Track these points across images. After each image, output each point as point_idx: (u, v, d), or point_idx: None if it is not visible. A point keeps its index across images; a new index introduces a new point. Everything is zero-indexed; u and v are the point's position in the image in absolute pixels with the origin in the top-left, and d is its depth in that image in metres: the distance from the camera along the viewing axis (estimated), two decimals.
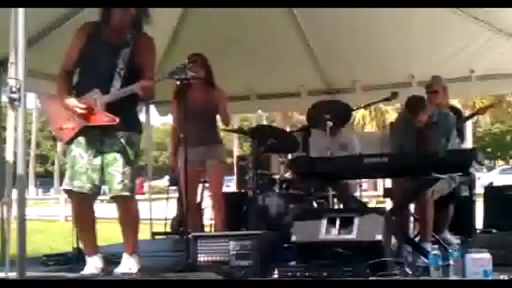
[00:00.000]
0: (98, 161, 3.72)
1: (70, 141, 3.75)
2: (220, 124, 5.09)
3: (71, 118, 3.70)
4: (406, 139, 4.57)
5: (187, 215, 4.33)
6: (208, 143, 4.69)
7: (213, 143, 4.77)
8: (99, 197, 3.94)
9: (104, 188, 3.78)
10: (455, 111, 5.20)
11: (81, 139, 3.73)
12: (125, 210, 3.81)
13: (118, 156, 3.69)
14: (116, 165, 3.68)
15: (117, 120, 3.60)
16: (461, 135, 5.02)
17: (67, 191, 3.80)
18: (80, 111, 3.64)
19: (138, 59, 3.74)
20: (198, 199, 5.45)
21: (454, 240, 4.82)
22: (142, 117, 4.18)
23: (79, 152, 3.73)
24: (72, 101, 3.68)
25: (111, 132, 3.69)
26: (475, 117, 6.02)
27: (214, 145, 4.78)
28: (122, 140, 3.71)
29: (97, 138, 3.72)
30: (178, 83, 3.80)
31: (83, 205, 3.80)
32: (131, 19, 3.75)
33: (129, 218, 3.85)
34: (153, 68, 3.89)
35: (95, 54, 3.72)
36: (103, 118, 3.63)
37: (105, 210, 5.44)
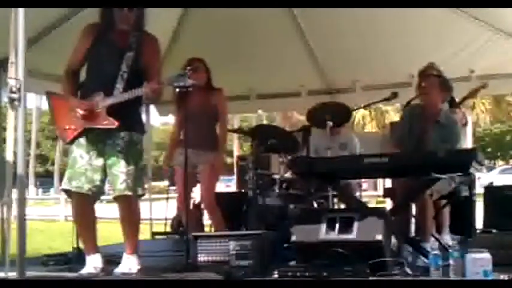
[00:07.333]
0: (99, 161, 3.74)
1: (71, 142, 3.77)
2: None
3: (73, 119, 3.71)
4: (410, 135, 4.55)
5: (187, 215, 4.33)
6: (202, 148, 4.68)
7: (207, 147, 4.76)
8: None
9: (107, 187, 3.79)
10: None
11: (82, 140, 3.75)
12: (127, 210, 3.81)
13: (120, 156, 3.71)
14: (118, 166, 3.70)
15: (116, 123, 3.62)
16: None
17: (66, 191, 3.82)
18: (81, 112, 3.66)
19: (142, 61, 3.76)
20: (198, 199, 5.44)
21: (452, 242, 4.82)
22: (143, 117, 4.17)
23: (80, 153, 3.75)
24: (74, 102, 3.71)
25: (113, 133, 3.70)
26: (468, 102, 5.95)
27: (208, 150, 4.77)
28: (124, 141, 3.73)
29: (99, 139, 3.74)
30: (178, 90, 3.85)
31: (82, 205, 3.81)
32: (133, 21, 3.77)
33: (130, 218, 3.85)
34: (159, 70, 3.89)
35: (100, 56, 3.75)
36: (102, 121, 3.65)
37: (105, 210, 5.44)
